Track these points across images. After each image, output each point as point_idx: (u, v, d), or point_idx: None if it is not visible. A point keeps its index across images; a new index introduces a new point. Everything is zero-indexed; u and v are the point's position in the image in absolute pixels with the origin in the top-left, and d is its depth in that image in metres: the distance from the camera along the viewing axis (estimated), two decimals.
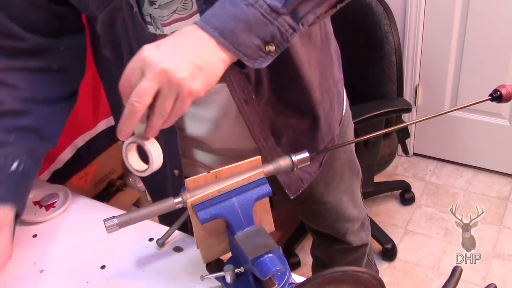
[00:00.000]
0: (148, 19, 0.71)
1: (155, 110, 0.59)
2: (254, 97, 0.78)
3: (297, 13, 0.61)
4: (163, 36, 0.71)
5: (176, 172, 0.86)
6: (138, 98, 0.57)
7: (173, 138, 0.82)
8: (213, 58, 0.59)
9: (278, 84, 0.80)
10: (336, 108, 0.95)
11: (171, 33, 0.65)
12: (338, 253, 1.25)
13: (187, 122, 0.84)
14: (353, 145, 1.10)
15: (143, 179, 1.04)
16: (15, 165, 0.79)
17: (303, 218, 1.22)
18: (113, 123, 1.64)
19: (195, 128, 0.84)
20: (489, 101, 0.73)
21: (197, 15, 0.68)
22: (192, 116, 0.83)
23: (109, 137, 1.64)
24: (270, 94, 0.80)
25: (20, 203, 0.80)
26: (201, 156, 0.90)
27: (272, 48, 0.61)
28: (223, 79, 0.71)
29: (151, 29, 0.71)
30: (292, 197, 0.93)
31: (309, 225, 1.25)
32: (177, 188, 0.87)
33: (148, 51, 0.57)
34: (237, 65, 0.63)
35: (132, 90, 0.57)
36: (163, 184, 0.92)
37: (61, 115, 0.89)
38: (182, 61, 0.57)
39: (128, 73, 0.58)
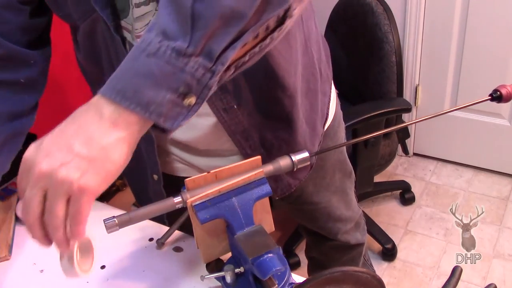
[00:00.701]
0: (128, 30, 0.70)
1: (45, 219, 0.51)
2: (235, 106, 0.76)
3: (210, 51, 0.50)
4: None
5: (155, 177, 0.86)
6: (25, 210, 0.51)
7: (151, 147, 0.82)
8: (106, 141, 0.50)
9: (261, 94, 0.78)
10: (320, 109, 0.93)
11: None
12: (334, 251, 1.24)
13: None
14: (343, 149, 1.09)
15: (129, 181, 1.03)
16: None
17: (295, 217, 1.22)
18: None
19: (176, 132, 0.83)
20: (489, 101, 0.73)
21: None
22: None
23: None
24: (254, 104, 0.78)
25: None
26: (185, 156, 0.89)
27: (192, 100, 0.51)
28: None
29: (129, 37, 0.71)
30: (277, 198, 0.93)
31: (302, 225, 1.25)
32: (158, 192, 0.88)
33: (28, 152, 0.51)
34: (158, 128, 0.53)
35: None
36: (146, 187, 0.92)
37: (17, 137, 0.83)
38: (64, 156, 0.49)
39: (18, 181, 0.52)
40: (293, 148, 0.86)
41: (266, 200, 0.67)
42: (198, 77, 0.50)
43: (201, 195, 0.62)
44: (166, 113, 0.50)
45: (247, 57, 0.55)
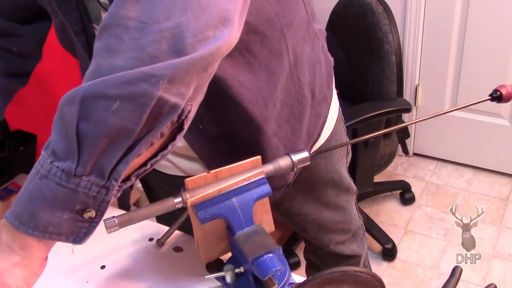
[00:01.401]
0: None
1: None
2: (201, 127, 0.74)
3: (101, 169, 0.49)
4: None
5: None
6: None
7: None
8: (0, 266, 0.51)
9: (224, 123, 0.76)
10: (306, 131, 0.88)
11: None
12: (330, 257, 1.23)
13: None
14: (341, 165, 1.04)
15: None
16: None
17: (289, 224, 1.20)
18: None
19: None
20: (489, 101, 0.73)
21: None
22: None
23: None
24: (218, 131, 0.77)
25: None
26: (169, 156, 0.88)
27: (92, 213, 0.51)
28: None
29: None
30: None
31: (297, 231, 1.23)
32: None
33: None
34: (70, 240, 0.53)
35: None
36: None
37: (10, 91, 0.88)
38: None
39: None
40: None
41: (266, 200, 0.67)
42: (93, 195, 0.50)
43: (201, 195, 0.62)
44: (67, 230, 0.51)
45: (148, 165, 0.55)
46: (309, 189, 1.00)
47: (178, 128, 0.54)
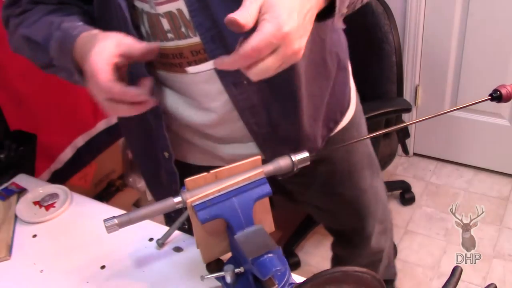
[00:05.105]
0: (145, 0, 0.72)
1: (258, 65, 0.58)
2: (245, 82, 0.77)
3: None
4: (157, 15, 0.72)
5: (166, 154, 0.87)
6: (259, 72, 0.58)
7: (159, 122, 0.82)
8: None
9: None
10: (335, 93, 0.93)
11: (164, 13, 0.67)
12: (357, 251, 1.25)
13: (181, 109, 0.84)
14: (368, 140, 1.09)
15: (140, 165, 1.04)
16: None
17: (319, 216, 1.24)
18: (112, 122, 1.65)
19: (191, 114, 0.84)
20: (489, 101, 0.73)
21: None
22: (185, 103, 0.83)
23: (109, 137, 1.64)
24: (262, 81, 0.80)
25: None
26: (206, 144, 0.90)
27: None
28: (210, 58, 0.71)
29: (146, 7, 0.72)
30: (280, 178, 0.91)
31: (328, 225, 1.26)
32: (170, 171, 0.88)
33: (290, 28, 0.56)
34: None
35: (255, 60, 0.57)
36: (158, 169, 0.92)
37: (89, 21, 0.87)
38: (305, 37, 0.59)
39: (263, 47, 0.56)
40: (297, 130, 0.86)
41: (266, 200, 0.67)
42: None
43: (201, 195, 0.62)
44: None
45: None
46: (346, 170, 1.03)
47: None
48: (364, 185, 1.08)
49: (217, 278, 0.69)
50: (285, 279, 0.65)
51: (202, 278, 0.67)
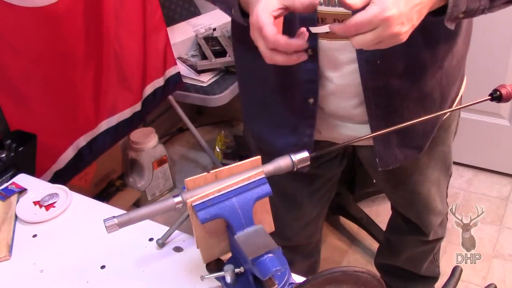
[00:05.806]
0: None
1: (360, 37, 0.66)
2: (378, 62, 0.81)
3: None
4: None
5: (310, 101, 0.89)
6: (358, 42, 0.66)
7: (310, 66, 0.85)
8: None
9: (407, 58, 0.84)
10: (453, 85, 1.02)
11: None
12: (411, 240, 1.35)
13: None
14: (450, 140, 1.15)
15: (251, 127, 1.08)
16: None
17: (393, 201, 1.30)
18: (113, 123, 1.64)
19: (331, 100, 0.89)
20: (489, 101, 0.73)
21: None
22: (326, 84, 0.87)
23: (110, 138, 1.63)
24: (393, 63, 0.83)
25: None
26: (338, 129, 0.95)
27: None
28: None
29: None
30: (380, 169, 0.96)
31: (398, 210, 1.32)
32: (310, 118, 0.91)
33: (392, 14, 0.63)
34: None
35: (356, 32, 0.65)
36: (286, 120, 0.94)
37: None
38: (408, 25, 0.66)
39: (364, 23, 0.64)
40: (413, 124, 0.85)
41: (266, 200, 0.67)
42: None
43: (201, 195, 0.62)
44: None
45: None
46: (424, 164, 1.09)
47: None
48: (433, 178, 1.14)
49: (217, 278, 0.69)
50: (285, 279, 0.65)
51: (202, 278, 0.68)
